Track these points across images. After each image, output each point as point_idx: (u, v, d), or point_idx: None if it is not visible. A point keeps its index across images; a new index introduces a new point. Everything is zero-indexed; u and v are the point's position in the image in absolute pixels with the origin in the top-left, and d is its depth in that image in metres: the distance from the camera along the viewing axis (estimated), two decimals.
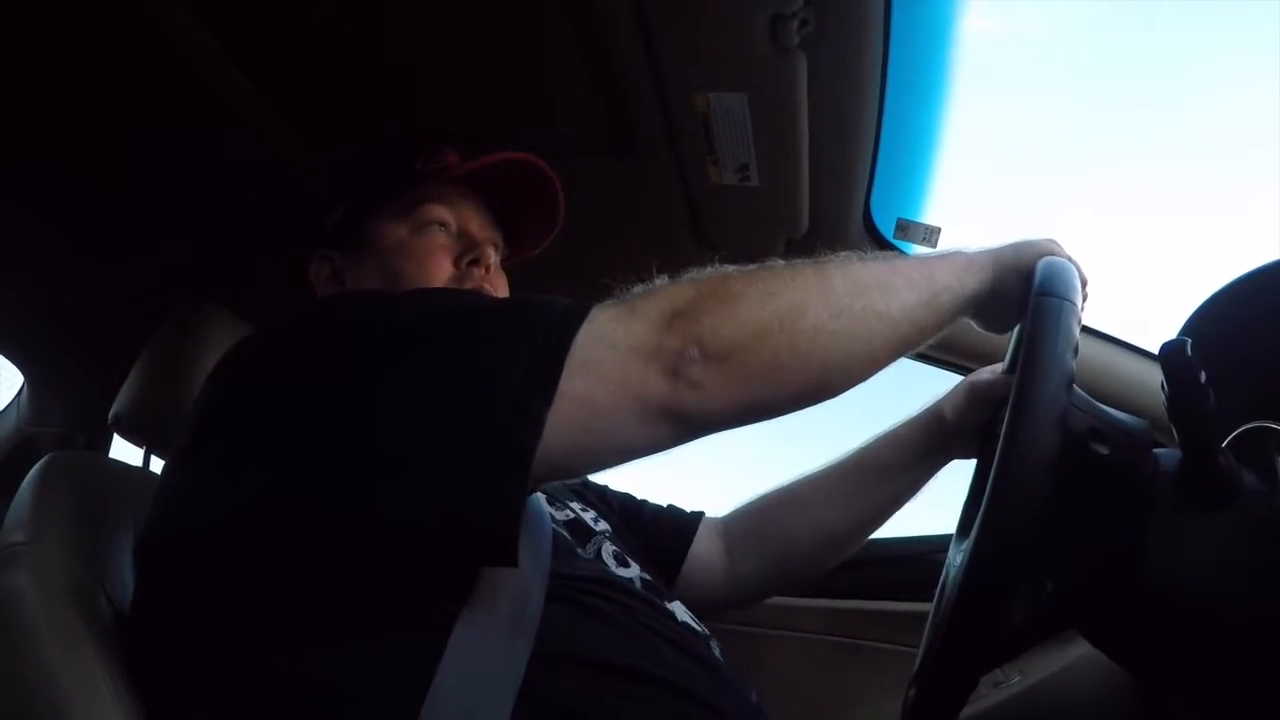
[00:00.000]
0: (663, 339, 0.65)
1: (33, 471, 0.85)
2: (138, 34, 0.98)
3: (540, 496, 0.87)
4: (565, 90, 1.10)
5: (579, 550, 0.86)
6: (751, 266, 0.71)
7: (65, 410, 1.61)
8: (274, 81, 1.08)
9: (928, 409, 1.08)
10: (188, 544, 0.69)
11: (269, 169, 1.21)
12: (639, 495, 1.19)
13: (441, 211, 0.99)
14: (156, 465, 1.27)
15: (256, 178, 1.22)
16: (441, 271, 0.96)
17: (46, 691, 0.65)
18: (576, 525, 0.93)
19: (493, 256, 0.99)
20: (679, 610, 0.84)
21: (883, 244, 1.33)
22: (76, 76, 1.04)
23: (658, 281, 0.71)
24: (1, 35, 0.98)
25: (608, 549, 0.91)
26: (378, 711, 0.63)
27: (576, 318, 0.67)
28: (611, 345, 0.66)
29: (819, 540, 1.11)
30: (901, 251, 1.33)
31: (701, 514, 1.18)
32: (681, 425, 0.67)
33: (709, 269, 0.71)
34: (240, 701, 0.65)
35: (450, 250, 0.98)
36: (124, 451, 1.43)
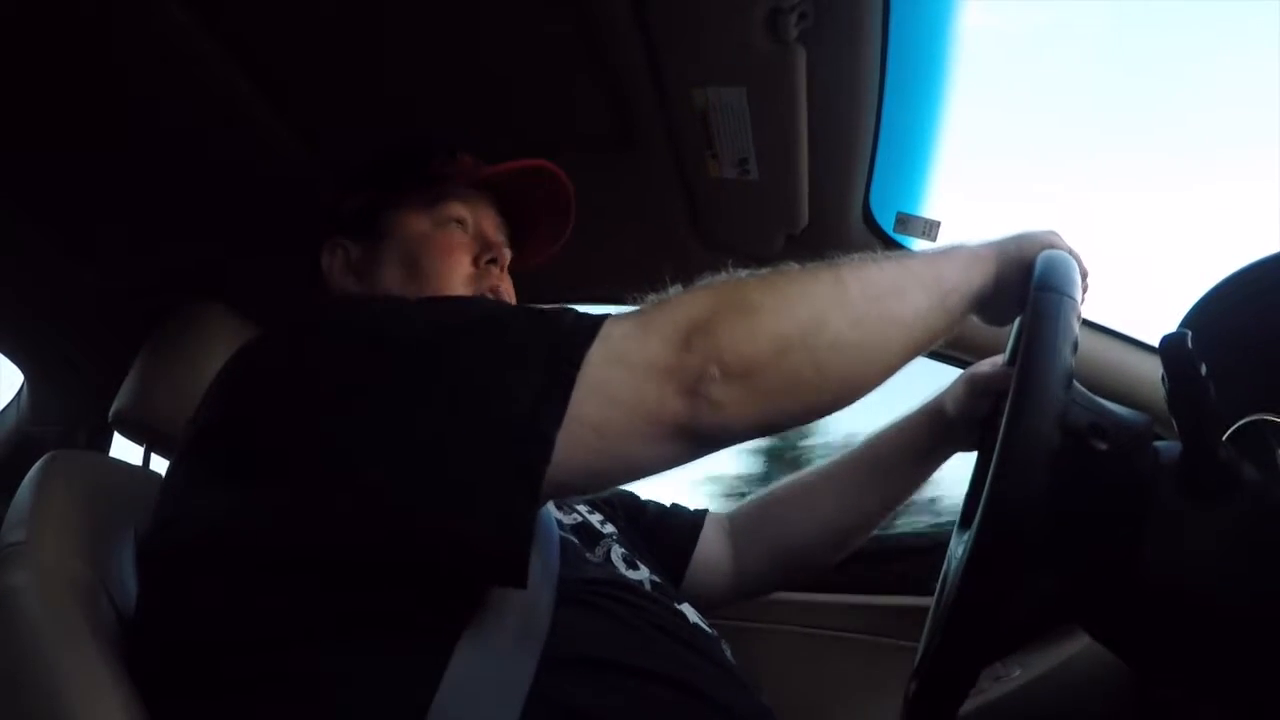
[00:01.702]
0: (681, 357, 0.63)
1: (33, 470, 0.85)
2: (137, 33, 0.98)
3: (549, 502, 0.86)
4: (565, 85, 1.10)
5: (588, 555, 0.86)
6: (765, 271, 0.70)
7: (65, 409, 1.61)
8: (273, 80, 1.08)
9: (928, 403, 1.08)
10: (191, 546, 0.68)
11: (269, 167, 1.20)
12: (643, 496, 1.19)
13: (461, 210, 1.00)
14: (157, 463, 1.27)
15: (256, 176, 1.22)
16: (461, 268, 0.96)
17: (47, 690, 0.65)
18: (585, 529, 0.93)
19: (508, 258, 1.00)
20: (689, 612, 0.83)
21: (882, 238, 1.33)
22: (75, 76, 1.04)
23: (671, 290, 0.69)
24: (1, 34, 0.98)
25: (617, 552, 0.90)
26: (382, 717, 0.63)
27: (589, 333, 0.65)
28: (626, 365, 0.64)
29: (824, 536, 1.11)
30: (901, 245, 1.33)
31: (706, 512, 1.18)
32: (697, 443, 0.66)
33: (722, 276, 0.70)
34: (243, 703, 0.65)
35: (469, 248, 0.98)
36: (124, 450, 1.44)
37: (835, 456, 1.13)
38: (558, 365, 0.63)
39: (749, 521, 1.16)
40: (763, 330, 0.65)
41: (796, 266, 0.71)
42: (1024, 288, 0.71)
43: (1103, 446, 0.64)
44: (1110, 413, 0.67)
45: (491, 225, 1.02)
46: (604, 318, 0.67)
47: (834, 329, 0.66)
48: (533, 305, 0.76)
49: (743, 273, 0.70)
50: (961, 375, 1.04)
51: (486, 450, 0.61)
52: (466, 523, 0.61)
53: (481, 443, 0.62)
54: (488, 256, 0.98)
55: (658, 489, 1.18)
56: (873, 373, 0.70)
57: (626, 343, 0.65)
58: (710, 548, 1.13)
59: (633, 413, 0.63)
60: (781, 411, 0.67)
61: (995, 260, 0.77)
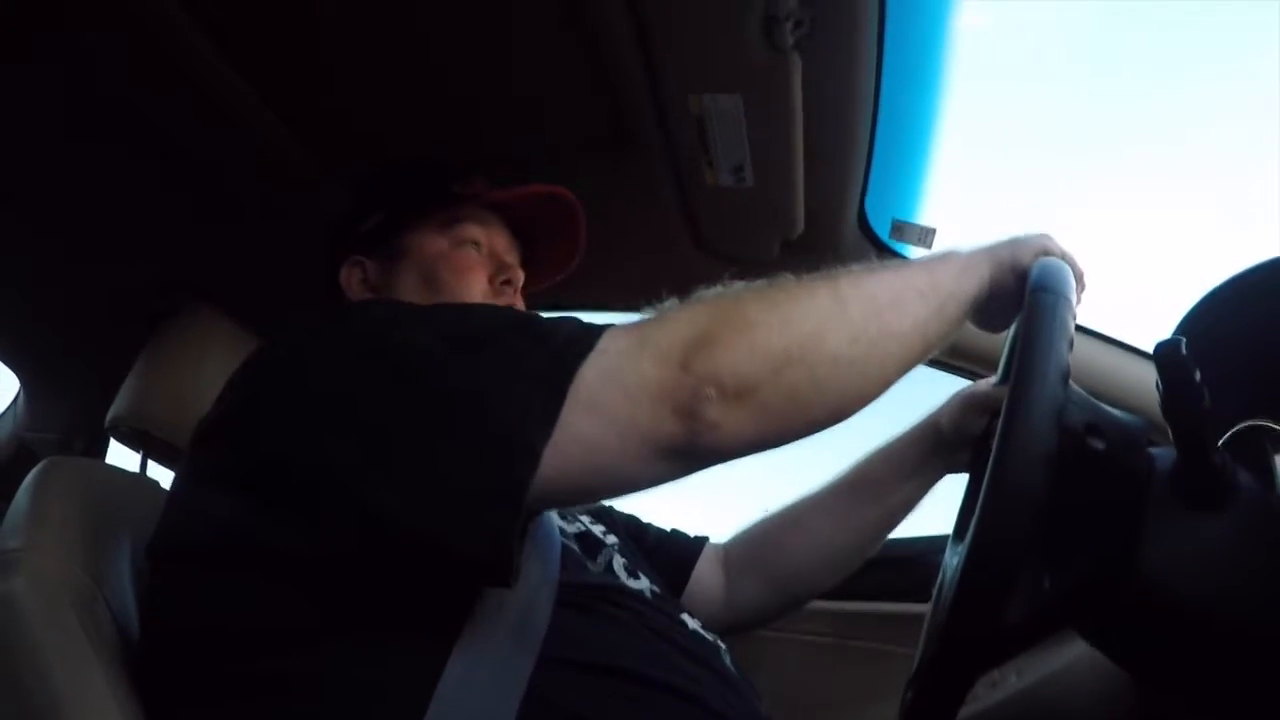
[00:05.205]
0: (678, 377, 0.62)
1: (30, 477, 0.85)
2: (136, 36, 0.98)
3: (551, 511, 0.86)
4: (562, 92, 1.11)
5: (590, 563, 0.86)
6: (762, 283, 0.69)
7: (62, 415, 1.61)
8: (273, 84, 1.08)
9: (923, 421, 1.07)
10: (195, 549, 0.69)
11: (267, 173, 1.21)
12: (644, 518, 1.18)
13: (477, 231, 1.03)
14: (154, 470, 1.27)
15: (254, 182, 1.22)
16: (478, 287, 0.99)
17: (45, 696, 0.65)
18: (586, 538, 0.92)
19: (521, 279, 1.03)
20: (689, 620, 0.83)
21: (878, 245, 1.33)
22: (74, 78, 1.04)
23: (668, 303, 0.68)
24: (0, 36, 0.98)
25: (618, 561, 0.90)
26: (380, 718, 0.63)
27: (584, 346, 0.64)
28: (621, 384, 0.63)
29: (820, 560, 1.11)
30: (897, 253, 1.33)
31: (705, 539, 1.17)
32: (691, 461, 0.65)
33: (718, 288, 0.69)
34: (240, 705, 0.65)
35: (484, 268, 1.02)
36: (121, 457, 1.44)
37: (829, 479, 1.12)
38: (551, 378, 0.62)
39: (746, 550, 1.15)
40: (761, 348, 0.64)
41: (793, 279, 0.70)
42: (1018, 292, 0.72)
43: (1099, 446, 0.64)
44: (1107, 413, 0.67)
45: (504, 247, 1.06)
46: (602, 330, 0.66)
47: (833, 345, 0.66)
48: (535, 314, 0.76)
49: (739, 285, 0.69)
50: (957, 393, 1.04)
51: (473, 461, 0.61)
52: (449, 534, 0.61)
53: (469, 453, 0.61)
54: (502, 277, 1.01)
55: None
56: (871, 387, 0.69)
57: (622, 360, 0.64)
58: (706, 576, 1.13)
59: (625, 433, 0.62)
60: (779, 429, 0.66)
61: (989, 265, 0.77)
